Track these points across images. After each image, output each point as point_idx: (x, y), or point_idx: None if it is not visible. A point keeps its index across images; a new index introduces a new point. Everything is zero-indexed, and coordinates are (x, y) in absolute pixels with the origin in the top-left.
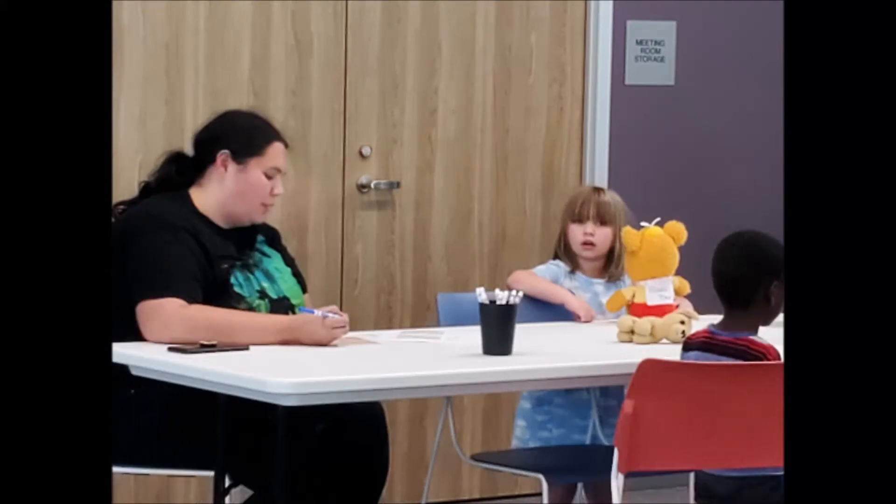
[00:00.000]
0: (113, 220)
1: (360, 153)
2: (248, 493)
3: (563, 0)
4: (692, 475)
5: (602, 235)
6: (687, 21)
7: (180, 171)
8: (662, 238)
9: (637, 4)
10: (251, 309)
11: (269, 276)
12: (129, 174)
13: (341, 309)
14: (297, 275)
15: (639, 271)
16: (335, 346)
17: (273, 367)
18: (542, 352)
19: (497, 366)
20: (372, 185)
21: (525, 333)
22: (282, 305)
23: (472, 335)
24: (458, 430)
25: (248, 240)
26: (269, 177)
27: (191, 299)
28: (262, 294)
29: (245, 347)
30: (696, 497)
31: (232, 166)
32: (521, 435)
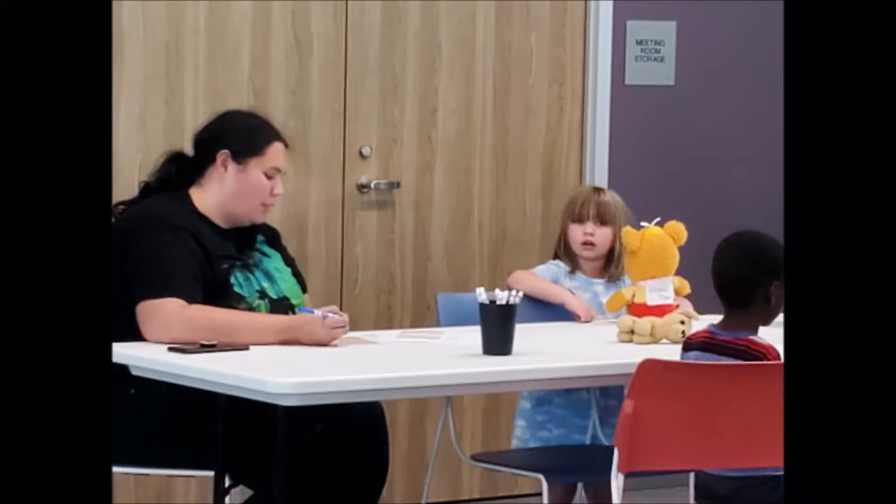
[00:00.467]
0: (113, 220)
1: (360, 153)
2: (248, 493)
3: (563, 0)
4: (692, 475)
5: (602, 235)
6: (687, 21)
7: (180, 171)
8: (662, 238)
9: (637, 4)
10: (251, 309)
11: (269, 276)
12: (129, 174)
13: (341, 309)
14: (297, 275)
15: (639, 271)
16: (335, 346)
17: (273, 367)
18: (542, 352)
19: (497, 366)
20: (372, 185)
21: (525, 333)
22: (282, 305)
23: (472, 335)
24: (458, 430)
25: (248, 240)
26: (269, 177)
27: (191, 299)
28: (262, 294)
29: (245, 347)
30: (696, 497)
31: (232, 166)
32: (521, 435)
